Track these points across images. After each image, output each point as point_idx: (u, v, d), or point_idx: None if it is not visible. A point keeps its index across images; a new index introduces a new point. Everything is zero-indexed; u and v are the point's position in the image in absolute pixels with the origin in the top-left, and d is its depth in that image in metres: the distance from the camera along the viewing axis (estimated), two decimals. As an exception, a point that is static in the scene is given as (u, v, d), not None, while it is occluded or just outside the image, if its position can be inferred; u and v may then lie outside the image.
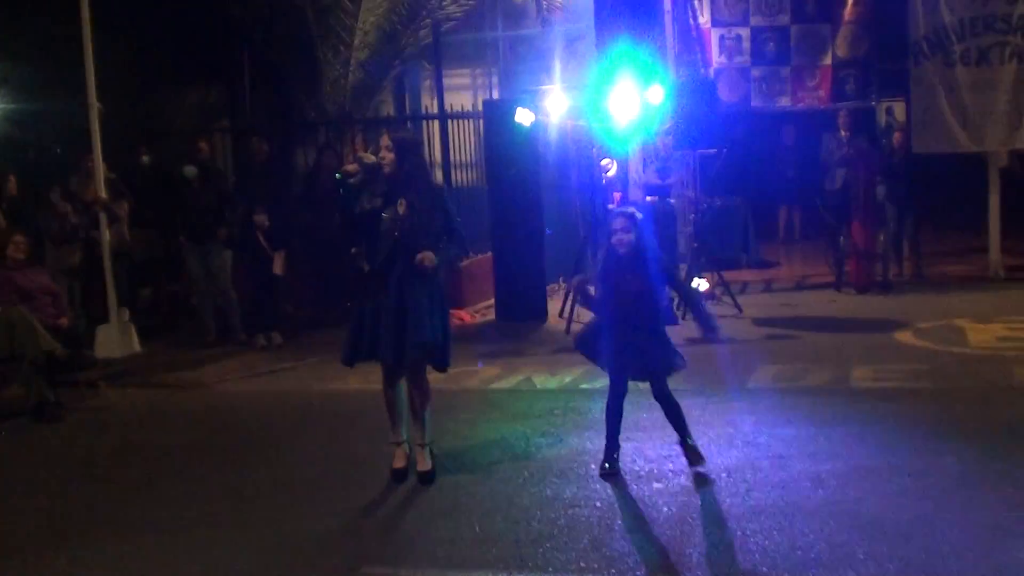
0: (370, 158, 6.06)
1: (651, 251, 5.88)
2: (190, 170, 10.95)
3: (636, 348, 5.82)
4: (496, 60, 14.92)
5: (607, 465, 5.91)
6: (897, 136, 12.43)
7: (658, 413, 6.74)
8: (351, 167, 6.03)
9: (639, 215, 5.92)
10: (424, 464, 6.07)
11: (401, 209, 5.89)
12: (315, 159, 12.72)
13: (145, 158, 12.58)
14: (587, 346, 6.06)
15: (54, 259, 10.21)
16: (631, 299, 5.78)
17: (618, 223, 5.86)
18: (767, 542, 4.82)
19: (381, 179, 5.96)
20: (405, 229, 5.88)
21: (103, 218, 10.26)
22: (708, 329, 6.18)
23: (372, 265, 5.96)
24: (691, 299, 6.41)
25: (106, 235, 10.25)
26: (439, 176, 12.38)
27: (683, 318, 10.33)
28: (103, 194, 10.31)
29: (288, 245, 10.74)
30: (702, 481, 5.71)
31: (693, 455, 5.89)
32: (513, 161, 10.92)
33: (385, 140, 6.09)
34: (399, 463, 6.11)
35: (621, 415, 5.95)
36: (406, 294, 5.89)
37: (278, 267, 10.56)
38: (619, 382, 5.93)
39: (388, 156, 5.94)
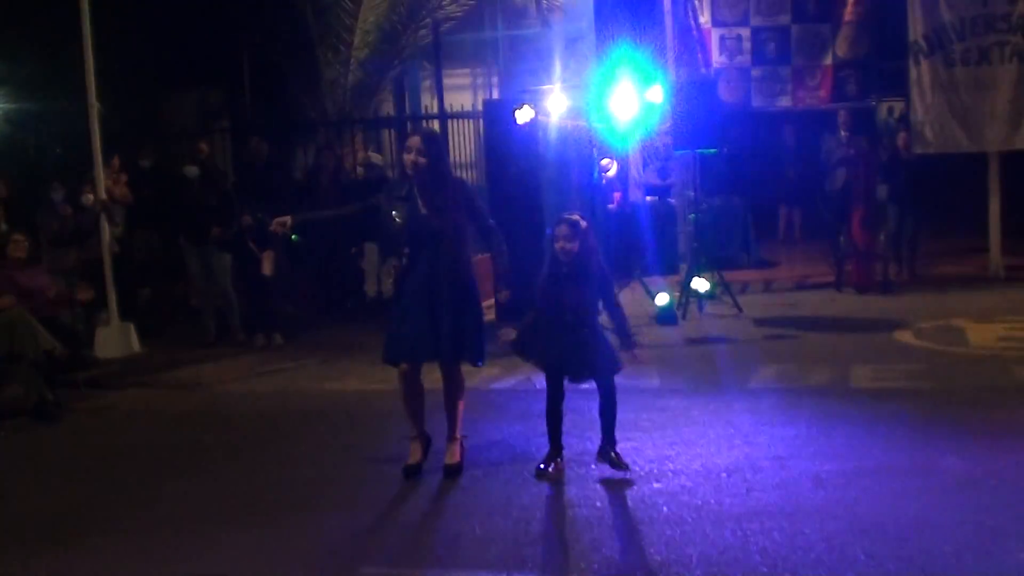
0: (377, 158, 6.08)
1: (594, 263, 5.76)
2: (191, 170, 10.96)
3: (575, 348, 5.78)
4: (496, 60, 14.93)
5: (542, 466, 5.96)
6: (903, 136, 12.41)
7: (657, 414, 6.77)
8: (360, 171, 6.06)
9: (584, 223, 5.79)
10: (452, 457, 6.09)
11: (424, 208, 5.90)
12: (314, 159, 12.73)
13: (146, 160, 12.58)
14: (521, 345, 6.03)
15: (51, 259, 10.21)
16: (570, 308, 5.75)
17: (561, 230, 5.74)
18: (767, 542, 4.82)
19: (404, 178, 5.98)
20: (428, 228, 5.89)
21: (103, 218, 10.26)
22: (626, 342, 5.95)
23: (407, 264, 6.01)
24: (617, 319, 6.01)
25: (106, 236, 10.25)
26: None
27: (683, 318, 10.44)
28: (103, 195, 10.30)
29: (275, 246, 10.67)
30: (702, 481, 5.70)
31: (616, 463, 5.86)
32: (513, 161, 10.91)
33: (414, 141, 6.03)
34: (413, 458, 6.10)
35: (561, 417, 5.96)
36: (433, 292, 5.91)
37: (266, 268, 10.52)
38: (556, 383, 5.92)
39: (408, 158, 5.94)
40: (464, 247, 6.07)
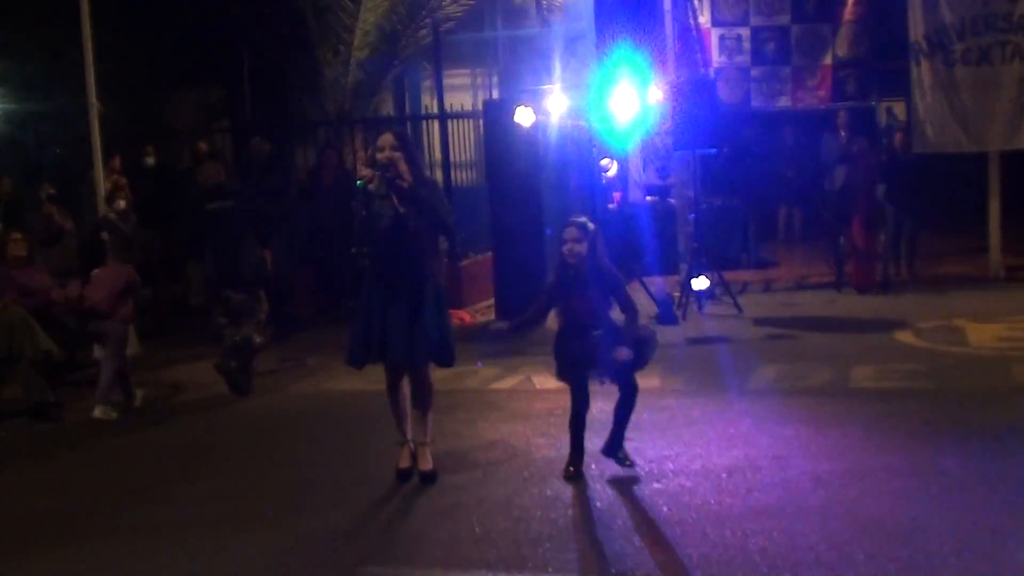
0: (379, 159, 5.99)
1: (603, 264, 5.72)
2: None
3: (592, 351, 5.73)
4: (496, 60, 14.93)
5: (571, 468, 5.91)
6: (899, 136, 12.41)
7: (658, 414, 6.77)
8: (368, 173, 5.99)
9: (592, 225, 5.74)
10: (426, 463, 6.06)
11: (401, 209, 5.87)
12: (317, 158, 12.72)
13: (147, 159, 12.58)
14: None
15: (42, 260, 10.17)
16: (580, 312, 5.72)
17: (569, 233, 5.69)
18: (767, 542, 4.82)
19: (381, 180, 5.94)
20: (405, 228, 5.86)
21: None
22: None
23: (374, 266, 5.96)
24: (631, 318, 5.94)
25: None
26: (438, 176, 12.40)
27: (683, 318, 10.44)
28: (103, 195, 10.27)
29: (270, 245, 10.59)
30: (702, 481, 5.70)
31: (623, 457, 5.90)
32: (513, 161, 10.91)
33: (387, 139, 5.96)
34: (404, 463, 6.09)
35: (584, 425, 5.92)
36: (398, 293, 5.86)
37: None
38: (579, 388, 5.85)
39: (396, 155, 5.86)
40: (432, 246, 6.03)
